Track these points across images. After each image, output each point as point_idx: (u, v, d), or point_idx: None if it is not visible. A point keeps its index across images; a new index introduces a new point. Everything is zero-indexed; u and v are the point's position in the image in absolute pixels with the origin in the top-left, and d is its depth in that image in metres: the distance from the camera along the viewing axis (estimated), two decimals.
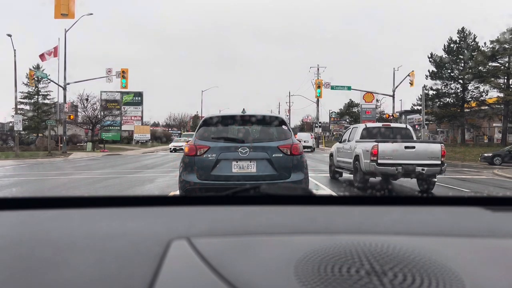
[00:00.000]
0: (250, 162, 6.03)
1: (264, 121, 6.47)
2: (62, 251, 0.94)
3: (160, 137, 68.81)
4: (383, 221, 1.15)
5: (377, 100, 56.52)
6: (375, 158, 10.38)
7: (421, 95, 37.54)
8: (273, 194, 1.32)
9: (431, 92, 41.69)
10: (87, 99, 47.30)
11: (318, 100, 56.04)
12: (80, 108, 47.38)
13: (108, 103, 62.77)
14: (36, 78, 37.78)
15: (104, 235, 1.03)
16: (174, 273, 0.84)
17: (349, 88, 38.00)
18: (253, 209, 1.24)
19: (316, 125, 56.75)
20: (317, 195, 1.37)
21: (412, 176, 10.62)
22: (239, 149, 6.01)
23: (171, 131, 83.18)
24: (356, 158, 11.33)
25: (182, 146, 40.44)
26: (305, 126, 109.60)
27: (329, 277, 0.81)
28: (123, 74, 34.65)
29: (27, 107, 48.20)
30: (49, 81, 47.51)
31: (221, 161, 6.01)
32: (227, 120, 6.54)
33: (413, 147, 10.52)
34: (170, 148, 40.62)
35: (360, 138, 12.04)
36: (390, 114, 38.90)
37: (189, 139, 49.91)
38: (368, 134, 12.18)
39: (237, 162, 6.03)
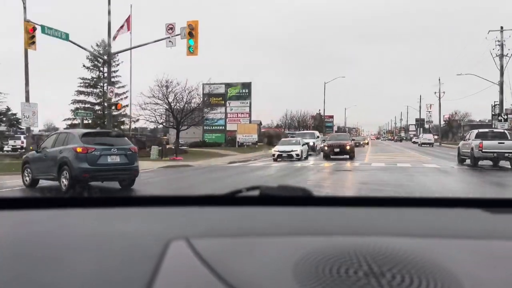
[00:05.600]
0: (116, 156, 11.47)
1: (119, 135, 13.79)
2: (61, 251, 0.95)
3: (271, 138, 54.88)
4: (382, 222, 1.15)
5: None
6: (480, 149, 18.74)
7: None
8: (272, 195, 1.29)
9: None
10: (166, 86, 34.70)
11: (502, 78, 36.40)
12: (160, 99, 34.92)
13: (211, 97, 50.30)
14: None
15: (103, 235, 1.03)
16: (172, 273, 0.85)
17: None
18: (252, 210, 1.25)
19: (500, 118, 36.93)
20: (315, 196, 1.33)
21: (503, 159, 19.02)
22: (111, 150, 11.46)
23: (287, 132, 68.74)
24: (472, 149, 19.34)
25: (295, 151, 25.37)
26: (453, 123, 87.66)
27: (327, 278, 0.82)
28: (190, 30, 20.64)
29: (91, 99, 36.87)
30: (117, 61, 36.32)
31: (101, 156, 11.18)
32: (101, 134, 13.66)
33: (503, 143, 18.94)
34: (274, 154, 25.67)
35: (475, 138, 19.92)
36: None
37: (308, 140, 28.23)
38: (480, 135, 20.16)
39: (110, 156, 11.37)
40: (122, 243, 0.98)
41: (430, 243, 0.98)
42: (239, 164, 23.59)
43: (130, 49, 25.50)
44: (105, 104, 29.45)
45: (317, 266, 0.85)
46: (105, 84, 30.88)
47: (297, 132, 43.11)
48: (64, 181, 11.13)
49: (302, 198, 1.31)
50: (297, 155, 25.23)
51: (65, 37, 20.23)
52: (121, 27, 28.38)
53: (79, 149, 10.95)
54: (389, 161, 23.67)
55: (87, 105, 35.30)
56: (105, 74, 33.17)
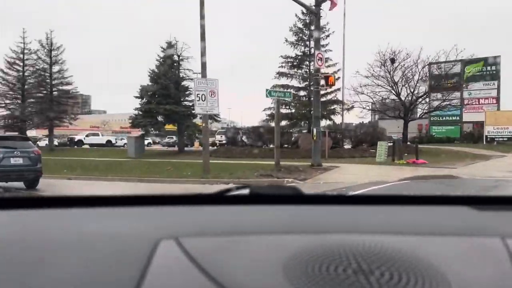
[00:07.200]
0: (20, 158, 12.04)
1: (22, 139, 14.30)
2: (50, 251, 0.95)
3: None
4: (371, 220, 1.16)
5: None
6: None
7: None
8: (262, 193, 1.30)
9: None
10: (392, 60, 25.21)
11: None
12: (382, 78, 25.73)
13: (443, 80, 38.51)
14: None
15: (92, 235, 1.03)
16: (162, 273, 0.85)
17: None
18: (242, 209, 1.25)
19: None
20: (305, 194, 1.32)
21: None
22: (15, 152, 12.04)
23: None
24: None
25: None
26: None
27: (317, 276, 0.84)
28: None
29: (294, 82, 29.36)
30: (326, 31, 28.18)
31: (4, 158, 11.79)
32: (5, 138, 13.74)
33: None
34: None
35: None
36: None
37: None
38: None
39: (14, 158, 11.96)
40: (110, 244, 0.96)
41: (418, 241, 0.98)
42: None
43: None
44: (311, 81, 21.82)
45: (307, 264, 0.86)
46: (312, 62, 23.29)
47: None
48: None
49: (292, 197, 1.30)
50: None
51: None
52: None
53: None
54: None
55: (290, 90, 28.48)
56: (312, 50, 25.61)
